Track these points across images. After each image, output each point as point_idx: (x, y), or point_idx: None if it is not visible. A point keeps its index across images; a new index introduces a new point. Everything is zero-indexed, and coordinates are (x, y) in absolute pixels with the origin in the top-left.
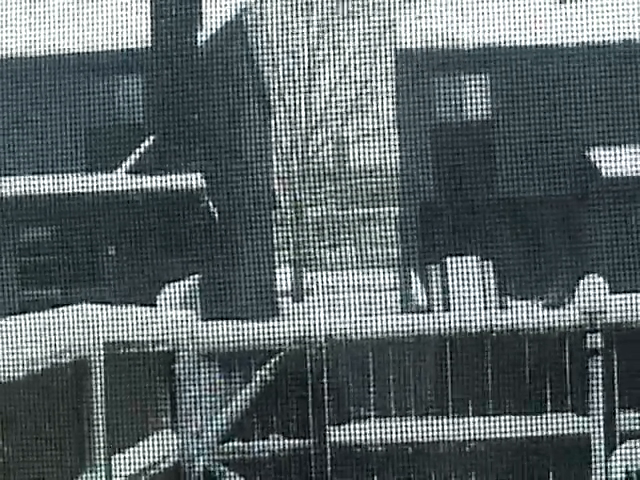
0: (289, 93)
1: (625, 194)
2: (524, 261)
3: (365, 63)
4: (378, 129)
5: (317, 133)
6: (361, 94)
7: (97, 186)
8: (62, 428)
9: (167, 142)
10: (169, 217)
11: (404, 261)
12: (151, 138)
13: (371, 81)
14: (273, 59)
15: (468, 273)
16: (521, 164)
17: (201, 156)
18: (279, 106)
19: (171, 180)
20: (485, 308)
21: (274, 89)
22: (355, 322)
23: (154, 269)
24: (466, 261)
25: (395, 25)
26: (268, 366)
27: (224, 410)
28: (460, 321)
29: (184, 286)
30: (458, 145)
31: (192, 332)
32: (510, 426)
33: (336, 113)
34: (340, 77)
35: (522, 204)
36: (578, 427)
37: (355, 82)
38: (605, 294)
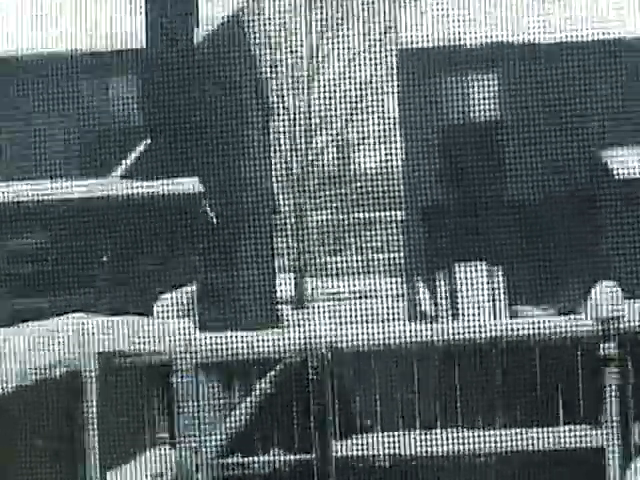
0: (289, 94)
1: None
2: (535, 266)
3: (367, 63)
4: (382, 131)
5: (318, 135)
6: (364, 95)
7: (90, 191)
8: (54, 443)
9: (163, 145)
10: (165, 223)
11: (410, 267)
12: (146, 141)
13: (374, 82)
14: (272, 59)
15: (476, 279)
16: (531, 166)
17: (198, 160)
18: (279, 108)
19: (167, 185)
20: (495, 316)
21: (274, 90)
22: (359, 331)
23: (150, 277)
24: (474, 267)
25: (398, 23)
26: (269, 377)
27: (223, 424)
28: (468, 330)
29: (181, 295)
30: (465, 147)
31: (189, 342)
32: (521, 439)
33: (338, 115)
34: (342, 78)
35: (532, 207)
36: (592, 440)
37: (357, 83)
38: (619, 300)
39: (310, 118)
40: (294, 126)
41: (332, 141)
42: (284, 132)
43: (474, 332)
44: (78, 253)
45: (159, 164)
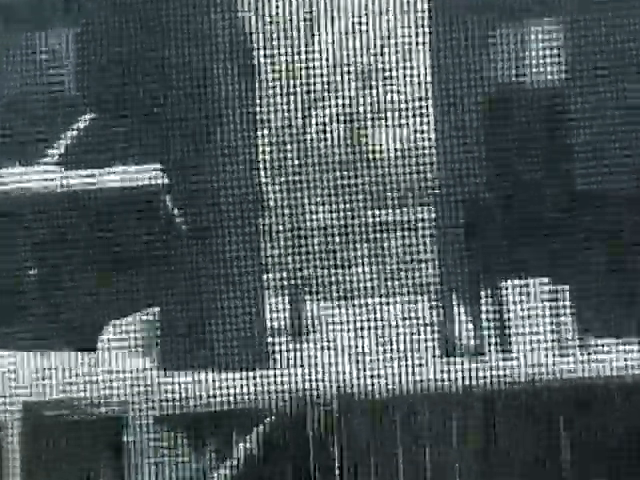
0: (281, 52)
1: None
2: (615, 285)
3: (389, 9)
4: (407, 101)
5: (321, 107)
6: (384, 52)
7: (13, 183)
8: None
9: (110, 121)
10: (114, 226)
11: (444, 285)
12: (87, 116)
13: (398, 34)
14: (259, 4)
15: (534, 301)
16: (610, 147)
17: (159, 141)
18: (267, 70)
19: (117, 175)
20: (559, 349)
21: (260, 46)
22: (376, 371)
23: (94, 299)
24: (531, 284)
25: None
26: (255, 435)
27: None
28: (524, 368)
29: (137, 323)
30: (519, 120)
31: (148, 388)
32: None
33: (347, 79)
34: (354, 28)
35: (610, 203)
36: None
37: (375, 36)
38: None
39: (310, 84)
40: (288, 95)
41: (340, 115)
42: (274, 103)
43: (531, 372)
44: None
45: (105, 147)
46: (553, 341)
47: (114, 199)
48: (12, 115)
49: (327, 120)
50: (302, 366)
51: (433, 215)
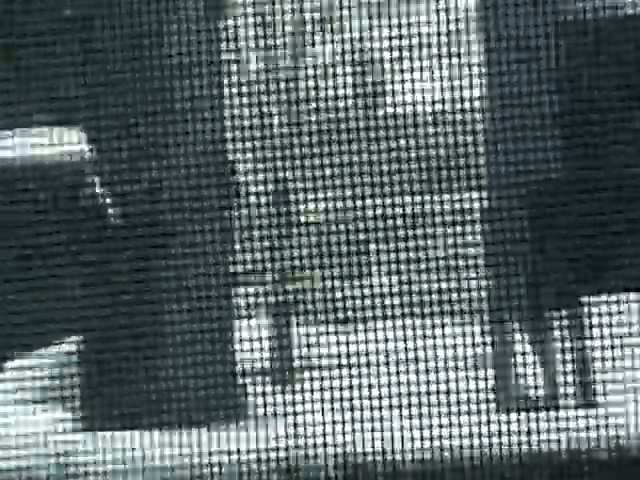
0: None
1: None
2: None
3: None
4: (441, 42)
5: (317, 51)
6: None
7: None
8: None
9: (19, 71)
10: (21, 217)
11: (495, 302)
12: None
13: None
14: None
15: (629, 327)
16: None
17: (85, 98)
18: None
19: (26, 145)
20: None
21: None
22: (398, 428)
23: None
24: (624, 302)
25: None
26: None
27: None
28: (613, 424)
29: (51, 357)
30: (605, 70)
31: (70, 451)
32: None
33: (354, 12)
34: None
35: None
36: None
37: None
38: None
39: (302, 22)
40: (267, 37)
41: (344, 63)
42: (247, 46)
43: (623, 429)
44: None
45: (11, 106)
46: None
47: (21, 176)
48: None
49: (327, 69)
50: (292, 421)
51: (484, 204)
